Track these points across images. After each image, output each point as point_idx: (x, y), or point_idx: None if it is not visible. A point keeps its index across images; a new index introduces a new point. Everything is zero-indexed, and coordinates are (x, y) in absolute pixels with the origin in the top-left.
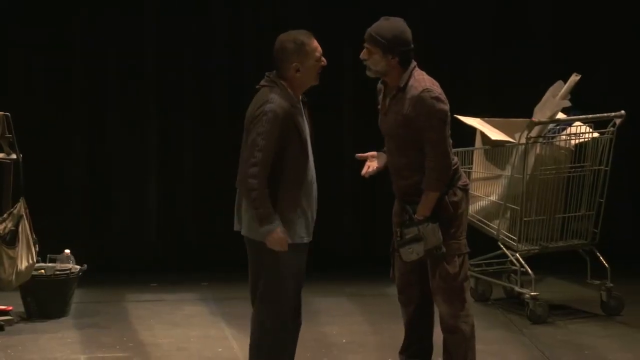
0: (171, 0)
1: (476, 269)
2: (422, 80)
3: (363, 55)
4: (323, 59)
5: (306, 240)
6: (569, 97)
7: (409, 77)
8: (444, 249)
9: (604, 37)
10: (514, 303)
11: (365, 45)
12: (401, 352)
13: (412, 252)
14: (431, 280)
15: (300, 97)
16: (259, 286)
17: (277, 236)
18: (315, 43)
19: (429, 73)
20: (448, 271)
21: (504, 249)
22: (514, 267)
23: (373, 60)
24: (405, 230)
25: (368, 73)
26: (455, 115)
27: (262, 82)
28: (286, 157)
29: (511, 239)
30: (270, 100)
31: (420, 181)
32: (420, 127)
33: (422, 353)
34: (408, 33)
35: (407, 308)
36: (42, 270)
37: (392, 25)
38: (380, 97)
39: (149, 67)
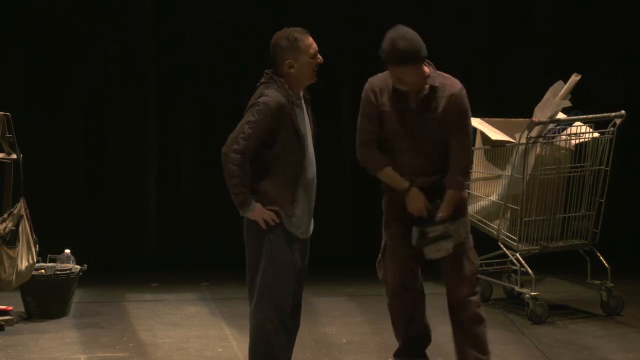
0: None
1: None
2: (452, 79)
3: (409, 83)
4: (319, 56)
5: (301, 235)
6: (569, 97)
7: (437, 75)
8: (471, 244)
9: (604, 37)
10: (514, 303)
11: (406, 69)
12: (397, 355)
13: (439, 250)
14: (454, 275)
15: (302, 94)
16: (255, 283)
17: (259, 209)
18: (310, 40)
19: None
20: (474, 263)
21: (504, 249)
22: (514, 267)
23: (416, 77)
24: (429, 229)
25: (403, 88)
26: None
27: (261, 80)
28: (282, 152)
29: (511, 239)
30: (266, 94)
31: (438, 180)
32: (453, 125)
33: (419, 353)
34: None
35: (405, 310)
36: (42, 270)
37: (408, 35)
38: (386, 98)
39: (149, 67)
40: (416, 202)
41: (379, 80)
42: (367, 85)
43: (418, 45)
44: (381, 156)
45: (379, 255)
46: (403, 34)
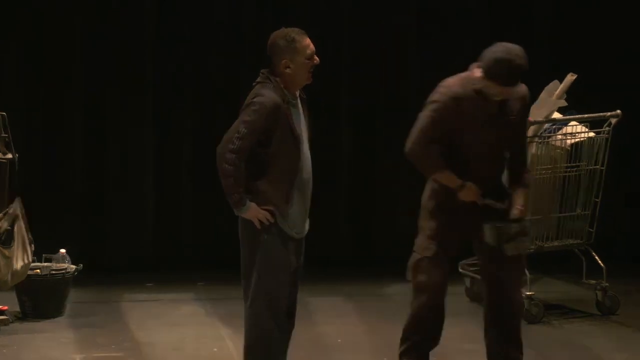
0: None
1: (471, 268)
2: None
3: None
4: (316, 57)
5: (296, 234)
6: (565, 96)
7: None
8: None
9: (601, 36)
10: None
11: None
12: (403, 355)
13: (518, 247)
14: (514, 278)
15: (298, 94)
16: (251, 283)
17: (254, 209)
18: (307, 41)
19: (429, 73)
20: (525, 266)
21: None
22: None
23: None
24: (508, 226)
25: (497, 98)
26: None
27: (257, 79)
28: (278, 151)
29: None
30: (262, 93)
31: (496, 186)
32: (522, 125)
33: (425, 354)
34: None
35: (440, 313)
36: (38, 270)
37: (520, 54)
38: (466, 106)
39: (149, 67)
40: (471, 193)
41: (458, 87)
42: (445, 90)
43: (527, 63)
44: (440, 157)
45: (417, 258)
46: (516, 53)
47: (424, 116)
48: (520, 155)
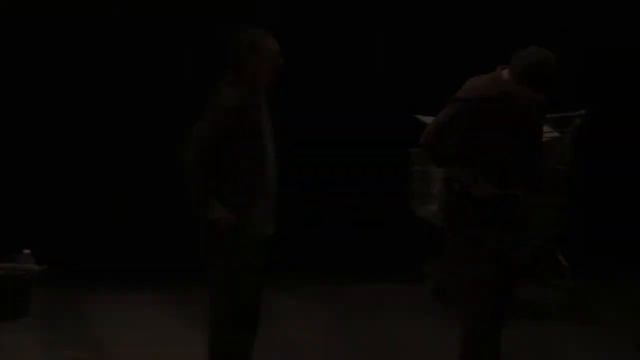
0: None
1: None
2: None
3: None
4: (280, 58)
5: (261, 236)
6: None
7: None
8: None
9: (568, 38)
10: None
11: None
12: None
13: (524, 258)
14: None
15: (263, 95)
16: (215, 285)
17: (218, 210)
18: (272, 42)
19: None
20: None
21: None
22: None
23: None
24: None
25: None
26: (416, 115)
27: (223, 80)
28: (242, 152)
29: None
30: (227, 94)
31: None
32: (539, 130)
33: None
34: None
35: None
36: (1, 270)
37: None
38: (490, 108)
39: (117, 62)
40: (483, 188)
41: (483, 88)
42: (470, 89)
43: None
44: (454, 151)
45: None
46: (551, 58)
47: (445, 110)
48: (534, 160)
